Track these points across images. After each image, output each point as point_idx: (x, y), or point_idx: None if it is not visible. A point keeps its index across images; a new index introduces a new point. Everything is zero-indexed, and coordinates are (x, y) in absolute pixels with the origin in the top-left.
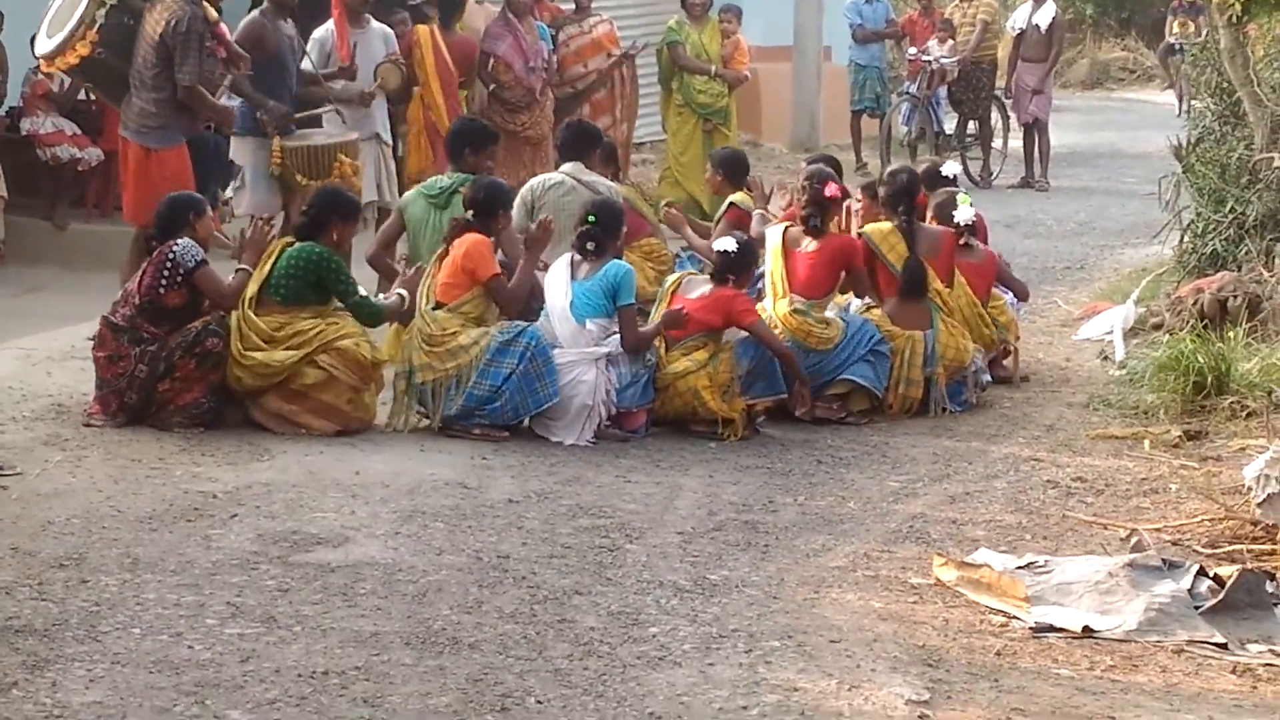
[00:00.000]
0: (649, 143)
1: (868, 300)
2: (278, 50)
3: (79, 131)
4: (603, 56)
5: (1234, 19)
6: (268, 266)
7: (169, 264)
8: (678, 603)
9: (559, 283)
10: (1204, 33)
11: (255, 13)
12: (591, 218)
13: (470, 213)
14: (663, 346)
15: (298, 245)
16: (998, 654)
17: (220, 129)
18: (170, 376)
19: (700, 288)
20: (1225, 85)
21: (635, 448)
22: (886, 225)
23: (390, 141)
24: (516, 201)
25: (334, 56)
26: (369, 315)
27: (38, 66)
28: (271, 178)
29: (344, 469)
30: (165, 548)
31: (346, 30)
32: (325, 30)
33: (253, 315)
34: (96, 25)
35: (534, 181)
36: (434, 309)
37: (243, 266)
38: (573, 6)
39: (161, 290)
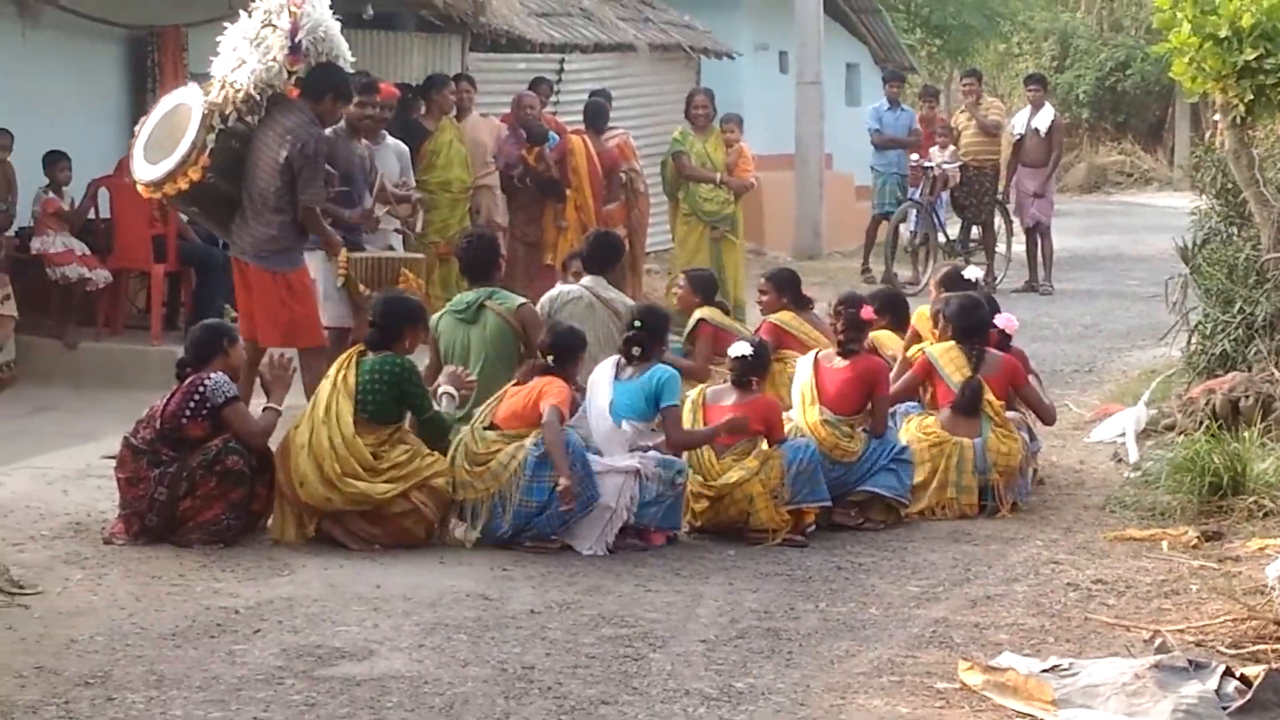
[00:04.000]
0: (654, 252)
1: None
2: (350, 171)
3: (88, 251)
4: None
5: (1238, 120)
6: (351, 379)
7: (197, 396)
8: (705, 711)
9: (602, 382)
10: None
11: (327, 132)
12: (638, 323)
13: (550, 358)
14: (712, 455)
15: (377, 358)
16: None
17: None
18: (191, 495)
19: (729, 396)
20: (1230, 186)
21: (654, 556)
22: (949, 343)
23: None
24: (537, 310)
25: (371, 170)
26: (438, 433)
27: (129, 177)
28: (340, 290)
29: (364, 582)
30: (190, 664)
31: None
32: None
33: (358, 441)
34: (208, 149)
35: (553, 293)
36: (486, 429)
37: (272, 405)
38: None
39: (184, 420)
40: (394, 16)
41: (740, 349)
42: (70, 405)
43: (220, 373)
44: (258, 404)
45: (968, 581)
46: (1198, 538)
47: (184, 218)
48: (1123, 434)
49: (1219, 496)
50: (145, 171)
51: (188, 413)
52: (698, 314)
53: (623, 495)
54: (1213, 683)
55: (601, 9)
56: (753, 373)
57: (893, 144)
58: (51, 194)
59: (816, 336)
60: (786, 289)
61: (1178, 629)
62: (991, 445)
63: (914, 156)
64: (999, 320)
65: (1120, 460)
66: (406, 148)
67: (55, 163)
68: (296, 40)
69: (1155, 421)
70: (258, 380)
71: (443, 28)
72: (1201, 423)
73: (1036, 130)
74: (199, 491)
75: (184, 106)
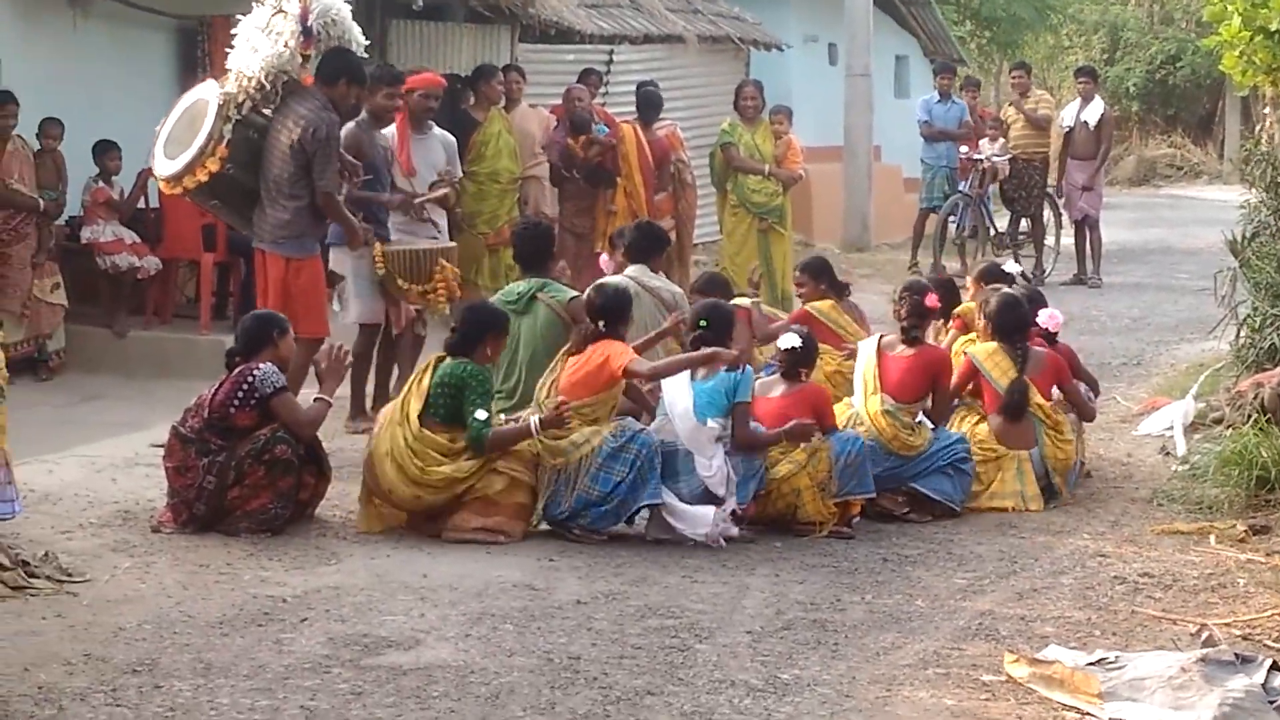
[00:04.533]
0: (702, 243)
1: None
2: (373, 161)
3: (138, 240)
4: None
5: None
6: (425, 382)
7: (246, 386)
8: (750, 702)
9: (681, 384)
10: None
11: (351, 124)
12: (704, 322)
13: (601, 323)
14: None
15: (450, 362)
16: None
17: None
18: (239, 484)
19: (777, 387)
20: None
21: (701, 548)
22: (992, 345)
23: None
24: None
25: (393, 161)
26: (473, 444)
27: (141, 173)
28: (375, 283)
29: (411, 572)
30: (237, 652)
31: (408, 136)
32: (386, 135)
33: (428, 433)
34: (225, 140)
35: (598, 284)
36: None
37: (322, 397)
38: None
39: (233, 410)
40: (443, 7)
41: (789, 340)
42: (119, 394)
43: (269, 363)
44: (306, 393)
45: (1014, 574)
46: (1245, 531)
47: None
48: (1170, 427)
49: (1267, 490)
50: (165, 167)
51: (236, 402)
52: (735, 301)
53: (729, 481)
54: (1259, 676)
55: (651, 0)
56: (801, 364)
57: (942, 136)
58: (101, 183)
59: (850, 326)
60: (822, 276)
61: (1224, 622)
62: (1049, 453)
63: (963, 149)
64: (1042, 318)
65: (1168, 453)
66: (454, 138)
67: (105, 152)
68: (308, 25)
69: (1203, 415)
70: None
71: (492, 18)
72: (1250, 416)
73: (1086, 123)
74: (247, 480)
75: (201, 101)
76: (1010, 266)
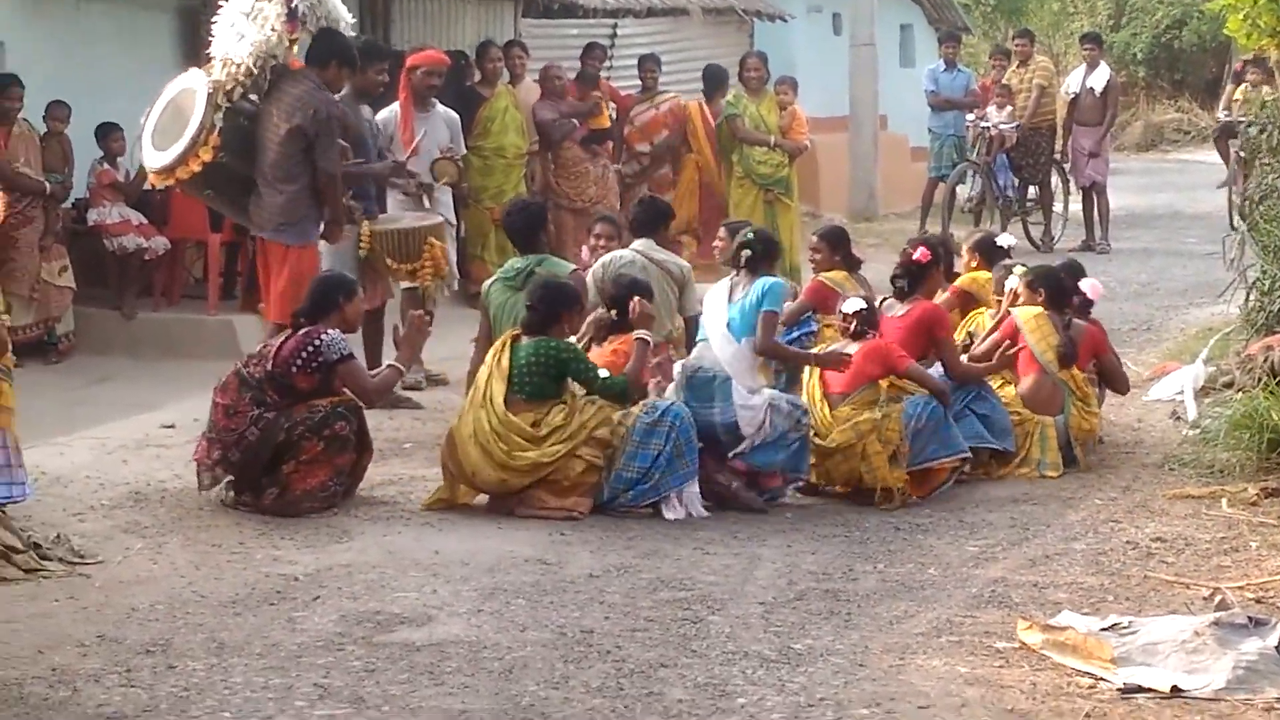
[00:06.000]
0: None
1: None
2: (359, 137)
3: (145, 221)
4: (666, 133)
5: None
6: (505, 361)
7: (310, 349)
8: (764, 673)
9: (718, 306)
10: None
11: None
12: (750, 234)
13: (614, 311)
14: (825, 408)
15: (533, 341)
16: (1087, 716)
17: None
18: (295, 458)
19: (848, 350)
20: None
21: (712, 519)
22: (1036, 309)
23: (455, 223)
24: (589, 278)
25: (396, 140)
26: (618, 395)
27: (135, 168)
28: (357, 261)
29: (423, 548)
30: (250, 631)
31: (411, 115)
32: (389, 113)
33: (512, 417)
34: (217, 129)
35: (605, 259)
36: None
37: (396, 364)
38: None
39: (295, 370)
40: None
41: (855, 304)
42: (128, 375)
43: (336, 329)
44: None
45: (1026, 541)
46: (1257, 494)
47: None
48: (1181, 392)
49: (1278, 453)
50: (156, 159)
51: (299, 363)
52: None
53: (762, 429)
54: (1273, 639)
55: None
56: (868, 324)
57: (949, 105)
58: (106, 165)
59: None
60: (839, 247)
61: (1237, 586)
62: (1074, 423)
63: (970, 116)
64: (1084, 285)
65: (1179, 418)
66: (457, 115)
67: (108, 134)
68: (293, 7)
69: (1213, 379)
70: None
71: None
72: (1260, 379)
73: (1092, 89)
74: (304, 455)
75: (188, 91)
76: (1004, 239)
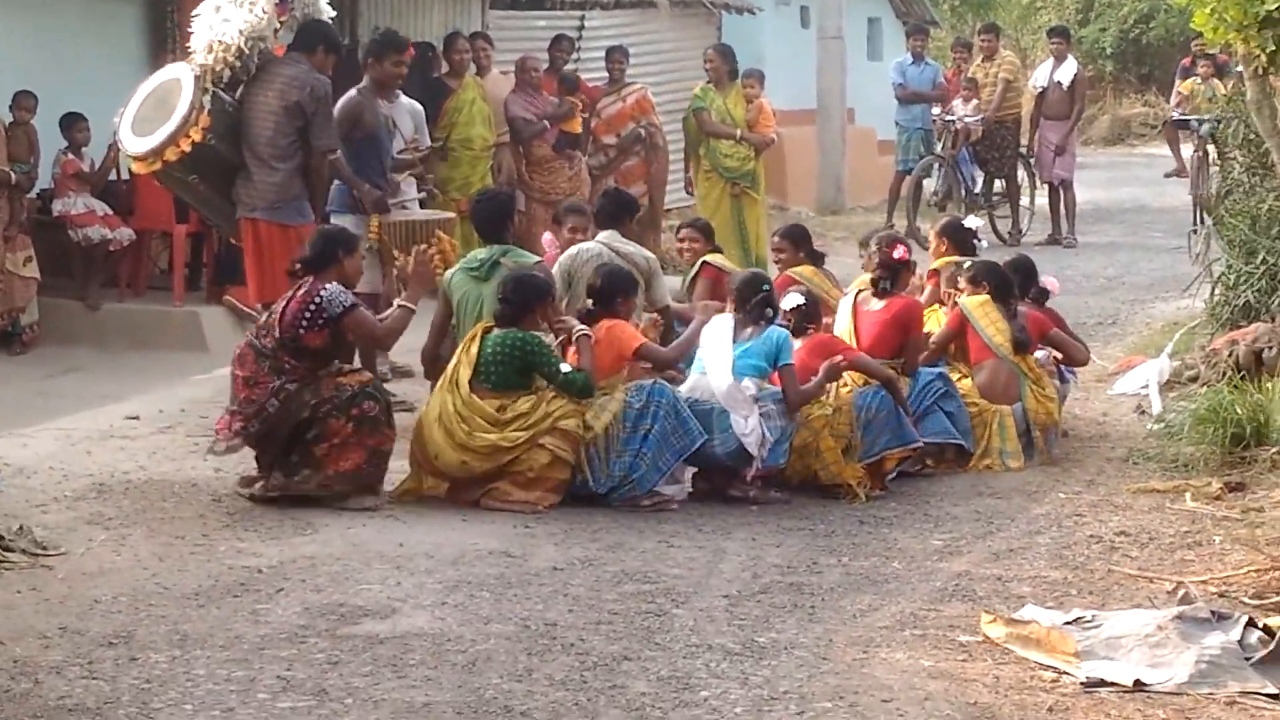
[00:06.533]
0: (675, 209)
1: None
2: (374, 129)
3: (110, 212)
4: (633, 124)
5: (1259, 70)
6: (474, 350)
7: (314, 306)
8: (727, 666)
9: (721, 342)
10: (1218, 94)
11: (353, 91)
12: (766, 286)
13: (591, 302)
14: None
15: (501, 333)
16: (1050, 710)
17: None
18: (327, 440)
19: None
20: (1253, 137)
21: (677, 513)
22: (982, 296)
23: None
24: (555, 270)
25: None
26: (579, 390)
27: (110, 149)
28: (371, 253)
29: (387, 541)
30: (213, 623)
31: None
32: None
33: (477, 400)
34: (206, 109)
35: (571, 251)
36: None
37: (405, 303)
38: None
39: (302, 330)
40: None
41: (793, 300)
42: (93, 367)
43: (335, 283)
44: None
45: (990, 535)
46: (1221, 489)
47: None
48: (1146, 386)
49: (1242, 447)
50: (141, 144)
51: (304, 323)
52: (705, 259)
53: (765, 442)
54: (1236, 633)
55: None
56: (810, 320)
57: (916, 98)
58: (71, 155)
59: (833, 291)
60: (802, 243)
61: (1201, 580)
62: (1031, 406)
63: (936, 110)
64: (1044, 280)
65: (1143, 412)
66: (421, 107)
67: (73, 124)
68: None
69: (1178, 373)
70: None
71: None
72: (1224, 374)
73: (1059, 83)
74: (335, 438)
75: (170, 80)
76: (971, 221)
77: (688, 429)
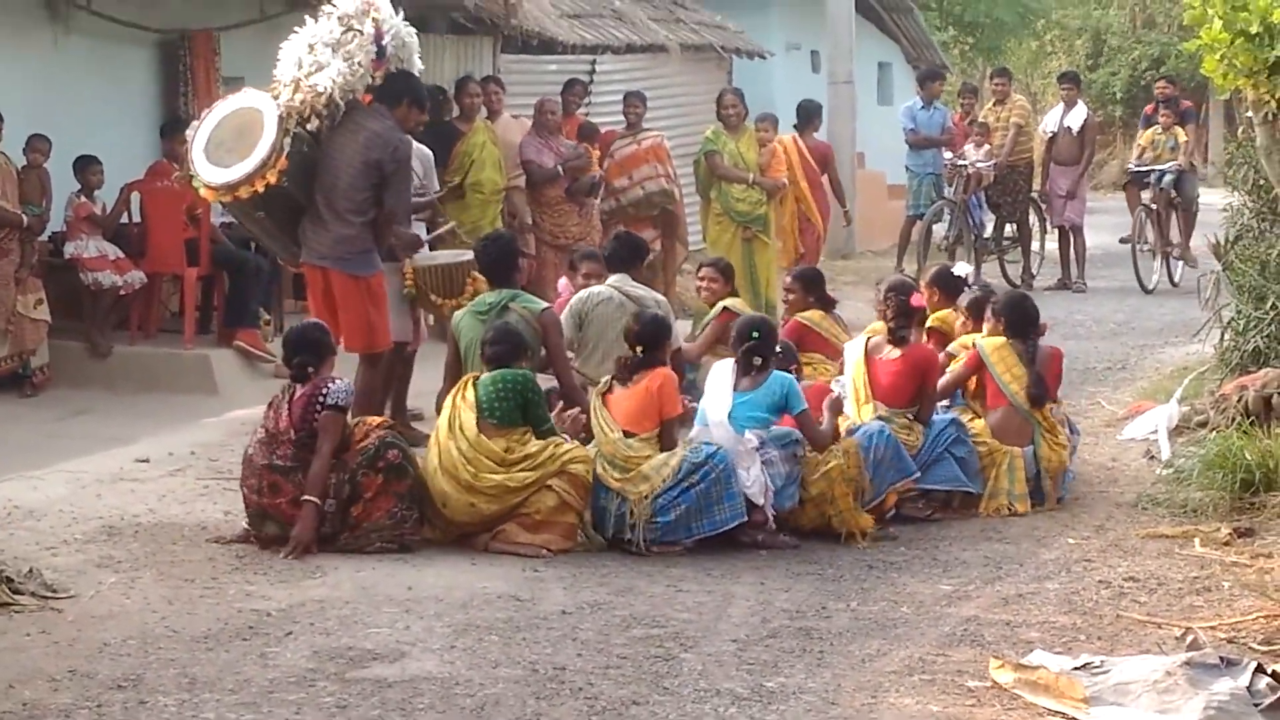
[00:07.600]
0: (689, 252)
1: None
2: (416, 174)
3: (121, 255)
4: (648, 168)
5: (1269, 116)
6: (470, 395)
7: (321, 398)
8: (736, 711)
9: (720, 392)
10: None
11: None
12: (755, 333)
13: (640, 349)
14: None
15: (497, 372)
16: None
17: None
18: (360, 499)
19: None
20: (1263, 182)
21: (686, 557)
22: (999, 340)
23: None
24: (565, 314)
25: (431, 173)
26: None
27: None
28: (404, 300)
29: (396, 584)
30: (222, 667)
31: None
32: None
33: (484, 439)
34: (285, 152)
35: (582, 294)
36: (622, 437)
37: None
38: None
39: (314, 422)
40: (425, 18)
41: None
42: (103, 409)
43: (341, 380)
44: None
45: (999, 579)
46: (1230, 534)
47: (225, 220)
48: (1155, 431)
49: (1251, 493)
50: (215, 174)
51: (315, 417)
52: (725, 303)
53: (768, 491)
54: (1244, 679)
55: (633, 10)
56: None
57: (928, 143)
58: (83, 198)
59: (843, 336)
60: (813, 288)
61: (1209, 626)
62: (1043, 454)
63: (947, 155)
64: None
65: (1153, 457)
66: (429, 151)
67: (86, 167)
68: (382, 45)
69: (1188, 418)
70: None
71: (474, 30)
72: (1234, 419)
73: (1069, 128)
74: (366, 494)
75: (252, 110)
76: (960, 268)
77: (733, 503)
